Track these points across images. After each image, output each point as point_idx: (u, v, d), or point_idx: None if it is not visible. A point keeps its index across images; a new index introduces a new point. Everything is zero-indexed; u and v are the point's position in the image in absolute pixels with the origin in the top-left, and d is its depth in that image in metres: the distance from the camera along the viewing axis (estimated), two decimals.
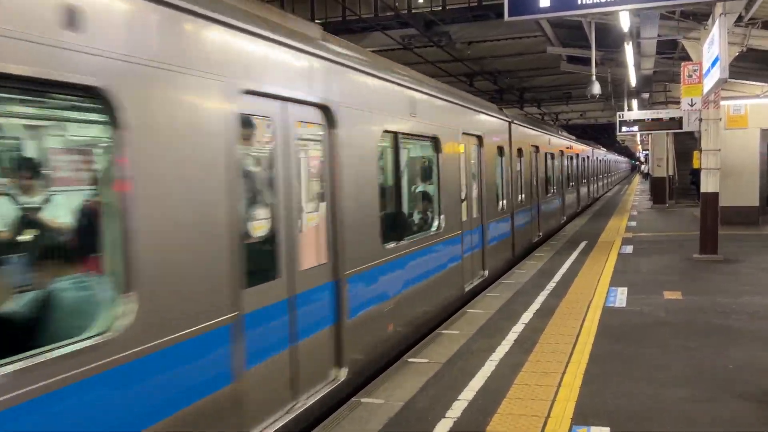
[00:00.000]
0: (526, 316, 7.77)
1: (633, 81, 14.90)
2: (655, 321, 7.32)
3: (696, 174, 24.96)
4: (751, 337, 6.58)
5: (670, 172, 26.86)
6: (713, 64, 8.77)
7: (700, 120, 11.52)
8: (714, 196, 11.50)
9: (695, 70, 11.33)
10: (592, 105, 38.96)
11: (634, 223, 19.14)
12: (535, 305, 8.41)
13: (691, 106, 11.43)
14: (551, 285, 9.85)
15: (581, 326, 7.20)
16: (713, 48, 8.72)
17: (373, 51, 19.16)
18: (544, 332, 7.01)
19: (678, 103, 21.63)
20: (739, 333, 6.75)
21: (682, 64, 11.46)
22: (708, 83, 9.82)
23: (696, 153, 11.77)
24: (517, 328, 7.25)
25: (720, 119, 11.42)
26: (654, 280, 9.83)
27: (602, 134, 56.00)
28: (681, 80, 11.55)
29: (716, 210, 11.52)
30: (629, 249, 13.53)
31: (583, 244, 14.62)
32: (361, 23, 19.38)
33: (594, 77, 12.01)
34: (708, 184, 11.52)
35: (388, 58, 11.62)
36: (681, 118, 19.03)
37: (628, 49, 11.33)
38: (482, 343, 6.70)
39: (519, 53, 23.40)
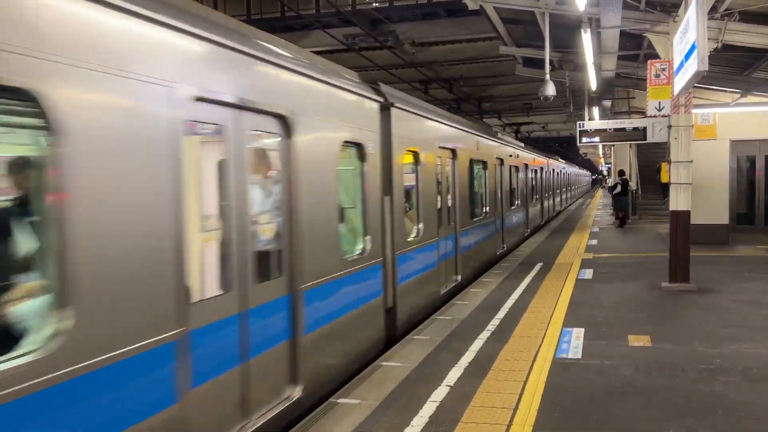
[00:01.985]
0: (454, 375, 5.95)
1: (593, 83, 13.34)
2: (619, 386, 5.55)
3: (666, 187, 24.03)
4: (753, 417, 4.83)
5: (634, 187, 25.54)
6: (688, 54, 7.14)
7: (669, 127, 9.93)
8: (685, 215, 9.90)
9: (663, 69, 9.75)
10: (553, 117, 37.94)
11: (595, 242, 17.59)
12: (469, 355, 6.61)
13: (659, 110, 9.83)
14: (494, 322, 8.09)
15: (522, 392, 5.41)
16: (688, 35, 7.09)
17: (314, 52, 17.37)
18: (472, 403, 5.20)
19: (642, 113, 20.30)
20: (736, 409, 4.99)
21: (649, 62, 9.87)
22: (679, 82, 8.21)
23: (664, 165, 10.10)
24: (438, 394, 5.42)
25: (692, 126, 9.85)
26: (617, 318, 8.13)
27: (565, 147, 55.19)
28: (647, 81, 9.96)
29: (687, 231, 9.92)
30: (589, 273, 11.88)
31: (538, 266, 12.96)
32: (300, 20, 17.64)
33: (548, 76, 10.36)
34: (678, 200, 9.92)
35: (333, 62, 9.83)
36: (645, 128, 17.59)
37: (586, 39, 9.69)
38: (386, 421, 4.87)
39: (474, 58, 21.89)
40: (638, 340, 7.00)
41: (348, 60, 20.33)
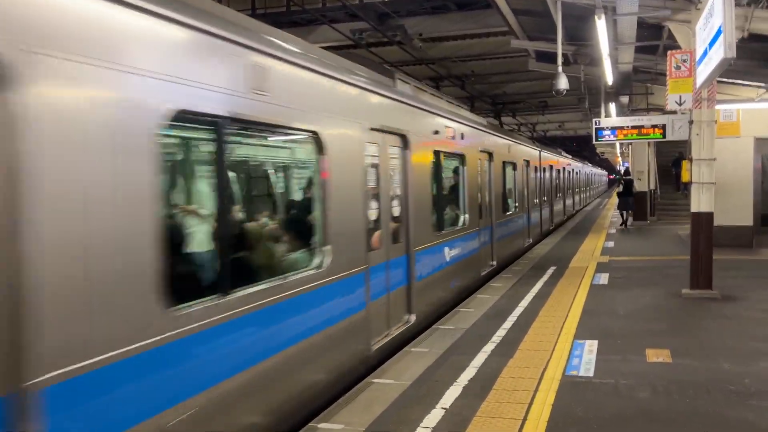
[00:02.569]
0: (451, 395, 5.36)
1: (609, 77, 12.65)
2: (635, 412, 4.92)
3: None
4: None
5: (652, 186, 24.72)
6: (712, 41, 6.49)
7: (691, 122, 9.26)
8: (708, 218, 9.22)
9: (685, 60, 9.08)
10: (570, 115, 37.16)
11: (611, 244, 16.88)
12: (470, 371, 6.02)
13: (680, 105, 9.16)
14: (500, 333, 7.49)
15: (525, 418, 4.81)
16: (713, 20, 6.44)
17: (323, 48, 16.83)
18: (468, 430, 4.62)
19: (661, 110, 19.54)
20: None
21: (669, 52, 9.20)
22: (702, 73, 7.55)
23: (685, 163, 9.45)
24: (432, 418, 4.85)
25: (715, 121, 9.17)
26: (633, 329, 7.49)
27: (582, 146, 54.20)
28: (667, 73, 9.29)
29: (710, 234, 9.24)
30: (604, 278, 11.23)
31: (551, 270, 12.32)
32: (305, 14, 17.09)
33: (560, 68, 9.73)
34: (700, 201, 9.25)
35: (339, 56, 9.22)
36: (664, 125, 16.86)
37: (601, 26, 9.01)
38: None
39: (486, 54, 21.21)
40: (657, 355, 6.36)
41: (356, 56, 19.74)
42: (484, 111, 32.17)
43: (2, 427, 2.66)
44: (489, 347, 6.87)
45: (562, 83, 9.76)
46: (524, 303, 9.25)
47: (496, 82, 27.15)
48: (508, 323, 7.98)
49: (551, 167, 21.95)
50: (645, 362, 6.18)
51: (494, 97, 30.09)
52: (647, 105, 19.88)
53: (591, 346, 6.76)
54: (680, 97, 9.19)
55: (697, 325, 7.71)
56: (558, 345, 6.86)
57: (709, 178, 9.16)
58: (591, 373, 5.86)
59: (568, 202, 29.01)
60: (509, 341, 7.09)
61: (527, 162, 16.79)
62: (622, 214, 22.72)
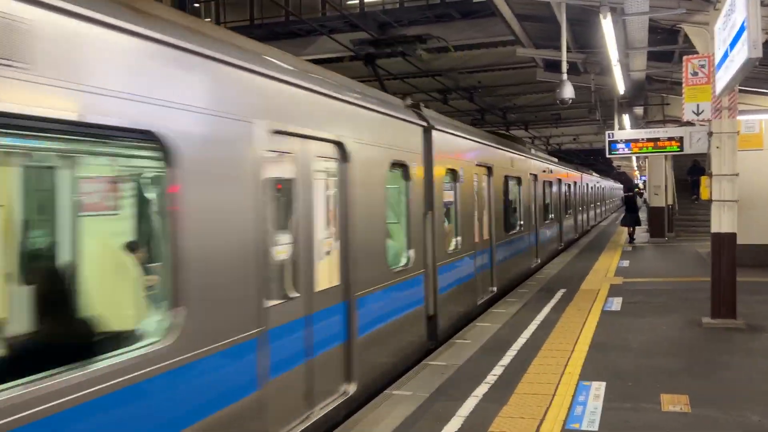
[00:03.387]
0: None
1: (620, 85, 11.80)
2: None
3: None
4: None
5: (670, 201, 23.72)
6: (734, 41, 5.67)
7: (710, 134, 8.41)
8: (730, 239, 8.34)
9: (702, 66, 8.25)
10: (584, 128, 36.31)
11: (626, 263, 15.95)
12: (455, 422, 5.20)
13: (697, 115, 8.32)
14: (497, 371, 6.66)
15: None
16: (734, 16, 5.63)
17: (319, 60, 16.07)
18: None
19: (678, 121, 18.62)
20: None
21: (685, 58, 8.38)
22: (723, 78, 6.72)
23: (704, 179, 8.58)
24: None
25: (737, 133, 8.31)
26: (647, 367, 6.62)
27: (598, 160, 53.20)
28: (683, 80, 8.47)
29: (733, 257, 8.36)
30: (617, 304, 10.34)
31: (560, 294, 11.45)
32: (304, 25, 16.48)
33: (565, 75, 8.92)
34: (722, 221, 8.37)
35: (341, 70, 8.35)
36: (682, 138, 15.96)
37: (607, 27, 8.18)
38: None
39: (494, 65, 20.50)
40: (674, 402, 5.49)
41: (357, 69, 19.15)
42: (495, 124, 31.42)
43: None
44: (481, 390, 6.03)
45: (567, 92, 8.95)
46: (527, 333, 8.40)
47: (505, 95, 26.40)
48: (506, 358, 7.14)
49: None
50: (659, 412, 5.31)
51: (505, 109, 29.32)
52: (663, 117, 18.97)
53: (598, 390, 5.90)
54: (698, 106, 8.35)
55: (720, 362, 6.81)
56: (560, 388, 6.01)
57: (731, 195, 8.29)
58: (596, 427, 5.01)
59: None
60: (505, 382, 6.25)
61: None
62: (628, 230, 22.51)
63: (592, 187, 34.12)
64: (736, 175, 8.22)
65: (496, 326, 8.85)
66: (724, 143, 8.25)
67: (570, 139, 41.30)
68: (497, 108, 28.59)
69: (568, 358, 7.04)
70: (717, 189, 8.31)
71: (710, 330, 8.25)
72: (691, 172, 24.34)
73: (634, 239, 22.12)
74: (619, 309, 9.90)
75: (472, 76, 22.39)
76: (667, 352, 7.21)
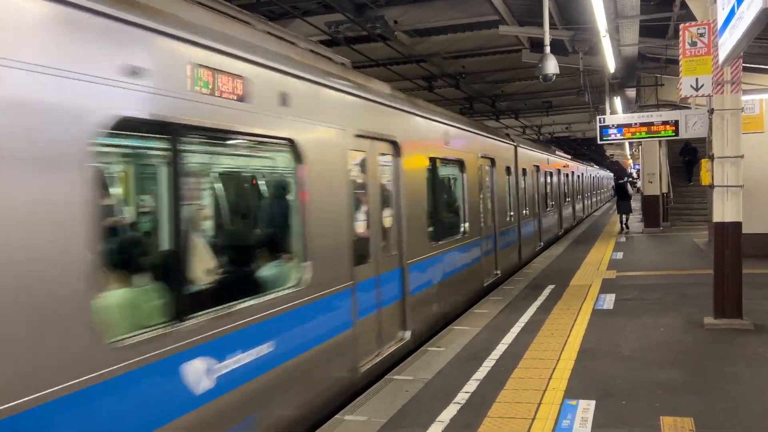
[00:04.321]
0: None
1: (610, 62, 10.86)
2: None
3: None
4: None
5: (664, 190, 22.83)
6: None
7: (711, 112, 7.49)
8: (735, 229, 7.44)
9: (702, 34, 7.33)
10: (576, 116, 35.40)
11: (619, 255, 15.06)
12: None
13: (696, 90, 7.40)
14: (470, 386, 5.75)
15: None
16: None
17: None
18: None
19: (672, 105, 17.71)
20: None
21: (682, 26, 7.45)
22: (727, 42, 5.78)
23: (705, 163, 7.66)
24: None
25: (741, 109, 7.38)
26: (643, 381, 5.70)
27: (591, 150, 52.32)
28: (680, 51, 7.53)
29: (738, 249, 7.45)
30: (609, 301, 9.45)
31: (548, 290, 10.57)
32: (275, 6, 15.45)
33: (548, 48, 7.97)
34: (725, 208, 7.46)
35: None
36: (677, 121, 15.04)
37: None
38: None
39: (479, 49, 19.49)
40: (676, 428, 4.58)
41: (338, 53, 18.12)
42: (484, 113, 30.46)
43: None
44: (449, 413, 5.11)
45: (551, 66, 8.01)
46: (509, 337, 7.50)
47: (493, 81, 25.41)
48: (483, 370, 6.23)
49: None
50: None
51: (493, 97, 28.33)
52: (657, 100, 18.04)
53: (585, 411, 4.99)
54: (697, 80, 7.44)
55: (727, 373, 5.90)
56: (542, 409, 5.10)
57: (735, 180, 7.38)
58: None
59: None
60: (478, 402, 5.34)
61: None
62: (621, 218, 22.56)
63: (588, 177, 34.75)
64: (741, 156, 7.31)
65: (475, 330, 7.95)
66: (727, 121, 7.33)
67: (562, 128, 40.38)
68: (486, 96, 27.61)
69: (553, 369, 6.13)
70: (719, 173, 7.40)
71: (713, 332, 7.34)
72: (683, 152, 23.61)
73: (627, 228, 21.85)
74: (611, 308, 9.00)
75: (457, 62, 21.40)
76: (666, 361, 6.30)
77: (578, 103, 28.72)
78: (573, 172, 27.39)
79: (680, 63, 7.47)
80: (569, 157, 29.66)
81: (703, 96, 7.56)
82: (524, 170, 15.67)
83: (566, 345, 7.02)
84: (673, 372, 5.92)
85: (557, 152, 24.49)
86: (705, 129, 14.81)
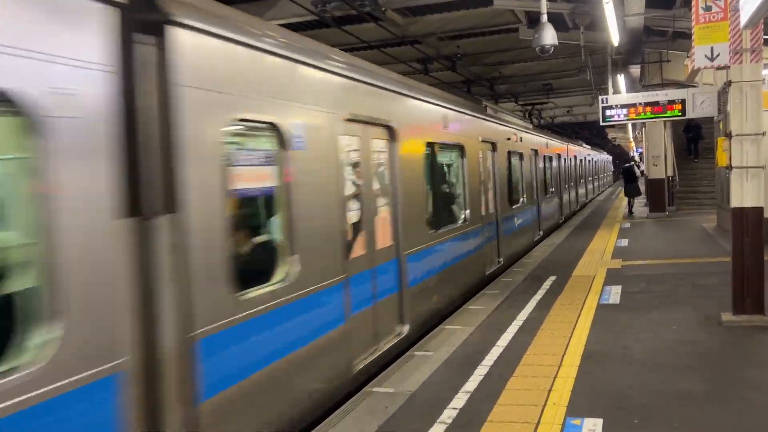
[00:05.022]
0: None
1: (614, 35, 10.06)
2: None
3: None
4: None
5: (670, 173, 22.03)
6: None
7: (728, 84, 6.71)
8: (756, 215, 6.68)
9: None
10: (578, 99, 34.60)
11: (624, 242, 14.30)
12: None
13: (711, 60, 6.62)
14: (459, 399, 5.03)
15: None
16: None
17: (283, 25, 14.27)
18: None
19: (677, 84, 16.89)
20: None
21: None
22: (749, 2, 5.01)
23: (721, 141, 6.88)
24: None
25: (762, 81, 6.60)
26: (657, 391, 4.97)
27: (594, 134, 51.46)
28: (692, 18, 6.74)
29: (760, 238, 6.70)
30: (615, 294, 8.71)
31: (549, 282, 9.83)
32: None
33: (545, 17, 7.19)
34: (744, 192, 6.70)
35: (309, 37, 7.56)
36: (684, 101, 14.25)
37: None
38: None
39: (475, 29, 18.63)
40: None
41: (329, 36, 17.34)
42: (483, 96, 29.62)
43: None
44: (437, 429, 4.39)
45: (548, 37, 7.22)
46: (505, 338, 6.77)
47: (492, 63, 24.55)
48: (474, 380, 5.50)
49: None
50: None
51: (492, 80, 27.46)
52: (662, 79, 17.22)
53: None
54: (712, 49, 6.64)
55: (751, 380, 5.15)
56: (540, 429, 4.37)
57: (756, 160, 6.61)
58: None
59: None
60: (467, 420, 4.61)
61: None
62: (629, 202, 22.25)
63: (590, 161, 35.12)
64: (763, 134, 6.53)
65: (468, 330, 7.22)
66: (746, 95, 6.55)
67: (563, 111, 39.48)
68: (484, 78, 26.75)
69: (554, 378, 5.40)
70: (738, 152, 6.62)
71: (733, 330, 6.59)
72: (687, 129, 22.90)
73: (632, 212, 21.40)
74: (617, 302, 8.26)
75: (452, 42, 20.56)
76: (682, 366, 5.56)
77: (579, 84, 27.82)
78: (576, 156, 27.47)
79: (693, 30, 6.68)
80: (569, 139, 29.91)
81: (719, 68, 6.77)
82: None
83: (568, 347, 6.29)
84: (692, 379, 5.18)
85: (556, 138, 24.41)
86: (713, 108, 14.02)
